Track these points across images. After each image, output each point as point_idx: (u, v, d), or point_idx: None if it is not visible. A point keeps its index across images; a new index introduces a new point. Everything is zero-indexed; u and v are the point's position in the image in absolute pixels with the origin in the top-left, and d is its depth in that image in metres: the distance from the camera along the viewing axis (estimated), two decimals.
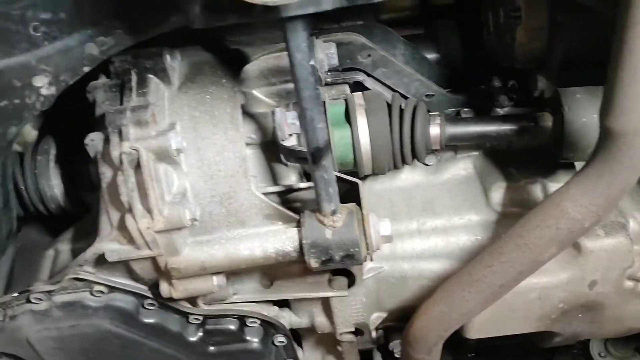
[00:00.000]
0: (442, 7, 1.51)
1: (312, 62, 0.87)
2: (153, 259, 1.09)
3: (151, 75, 1.06)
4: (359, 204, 1.09)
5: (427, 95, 1.33)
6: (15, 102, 0.89)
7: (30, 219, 1.35)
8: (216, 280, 1.15)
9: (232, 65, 1.11)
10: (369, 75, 1.30)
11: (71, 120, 1.20)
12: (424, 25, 1.50)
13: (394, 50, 1.32)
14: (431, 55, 1.45)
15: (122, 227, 1.06)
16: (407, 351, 1.28)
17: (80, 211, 1.28)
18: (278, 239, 1.09)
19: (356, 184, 1.09)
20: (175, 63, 1.09)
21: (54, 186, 1.22)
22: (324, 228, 1.05)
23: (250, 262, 1.10)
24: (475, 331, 1.32)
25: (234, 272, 1.20)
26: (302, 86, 0.89)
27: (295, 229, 1.08)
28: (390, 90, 1.32)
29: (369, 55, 1.26)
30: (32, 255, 1.29)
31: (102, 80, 1.08)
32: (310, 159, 0.98)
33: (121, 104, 1.04)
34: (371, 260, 1.09)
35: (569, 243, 1.03)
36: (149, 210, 1.01)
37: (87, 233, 1.24)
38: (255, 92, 1.13)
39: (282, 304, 1.37)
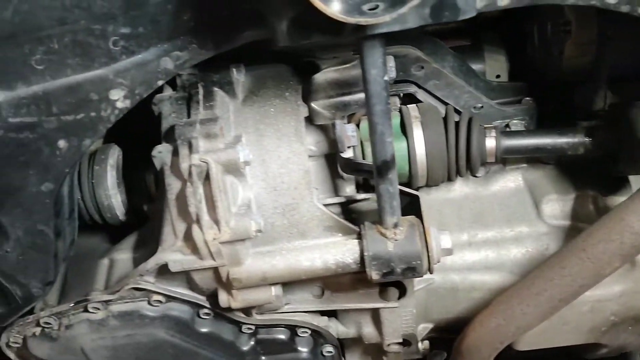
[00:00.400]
0: (488, 19, 1.51)
1: (385, 78, 0.88)
2: (215, 270, 1.10)
3: (217, 89, 1.07)
4: (417, 216, 1.10)
5: (475, 107, 1.34)
6: (92, 115, 0.90)
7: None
8: (274, 290, 1.16)
9: (294, 78, 1.12)
10: (420, 87, 1.31)
11: (127, 131, 1.22)
12: (469, 37, 1.51)
13: (442, 62, 1.33)
14: (476, 67, 1.46)
15: (186, 237, 1.07)
16: None
17: (136, 221, 1.29)
18: (338, 250, 1.09)
19: (417, 197, 1.10)
20: (240, 76, 1.10)
21: (111, 196, 1.23)
22: (386, 240, 1.06)
23: (311, 273, 1.11)
24: (525, 344, 1.33)
25: (287, 283, 1.21)
26: (374, 101, 0.90)
27: (356, 241, 1.09)
28: (439, 103, 1.33)
29: (422, 68, 1.27)
30: (85, 264, 1.30)
31: (169, 92, 1.09)
32: (376, 172, 0.99)
33: (188, 116, 1.05)
34: (431, 273, 1.09)
35: (632, 257, 1.04)
36: (216, 222, 1.02)
37: (143, 243, 1.25)
38: (314, 105, 1.14)
39: (329, 313, 1.38)
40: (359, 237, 1.09)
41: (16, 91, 0.84)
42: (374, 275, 1.08)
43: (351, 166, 1.11)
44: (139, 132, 1.15)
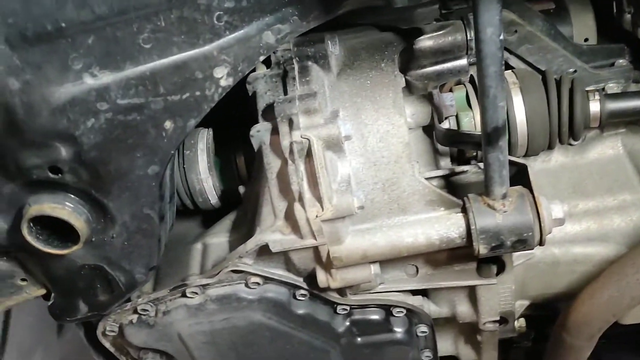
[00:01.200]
0: None
1: (501, 37, 0.84)
2: (315, 249, 1.08)
3: (312, 63, 1.04)
4: (525, 187, 1.05)
5: (569, 72, 1.28)
6: (197, 95, 0.88)
7: None
8: (373, 269, 1.13)
9: (389, 48, 1.08)
10: (511, 52, 1.25)
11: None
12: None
13: (533, 25, 1.27)
14: (564, 31, 1.39)
15: (287, 217, 1.05)
16: (563, 338, 1.23)
17: (226, 205, 1.28)
18: (442, 225, 1.05)
19: (524, 166, 1.05)
20: (335, 49, 1.07)
21: (203, 180, 1.21)
22: (494, 212, 1.02)
23: (413, 249, 1.07)
24: (633, 317, 1.27)
25: (381, 262, 1.18)
26: (489, 62, 0.86)
27: (460, 214, 1.05)
28: (531, 69, 1.27)
29: (515, 32, 1.22)
30: (177, 250, 1.29)
31: (263, 71, 1.07)
32: (485, 140, 0.95)
33: (285, 93, 1.03)
34: (543, 244, 1.05)
35: None
36: (318, 199, 1.00)
37: (237, 226, 1.24)
38: (407, 76, 1.11)
39: (420, 292, 1.34)
40: (464, 210, 1.04)
41: (124, 72, 0.82)
42: (482, 249, 1.03)
43: (452, 137, 1.07)
44: (222, 114, 1.14)
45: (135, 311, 1.22)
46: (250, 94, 1.07)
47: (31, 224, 0.92)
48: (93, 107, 0.82)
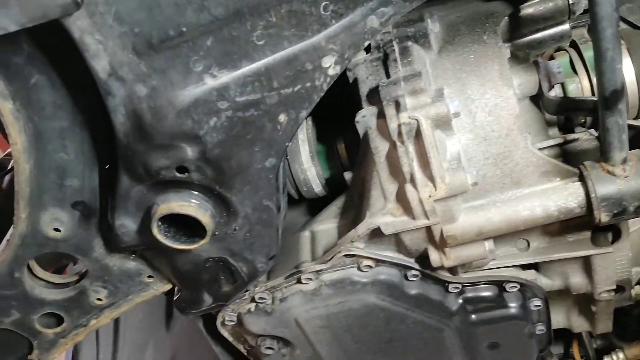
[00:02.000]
0: None
1: None
2: (427, 229, 1.08)
3: (412, 43, 1.04)
4: None
5: None
6: (307, 86, 0.90)
7: None
8: (487, 245, 1.12)
9: (489, 20, 1.06)
10: None
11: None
12: None
13: None
14: None
15: (398, 199, 1.06)
16: None
17: (329, 192, 1.30)
18: (559, 195, 1.03)
19: None
20: (435, 26, 1.06)
21: (306, 170, 1.24)
22: (614, 178, 0.99)
23: (530, 222, 1.06)
24: None
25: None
26: (605, 25, 0.83)
27: (578, 183, 1.02)
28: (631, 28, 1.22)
29: None
30: (285, 239, 1.32)
31: (362, 56, 1.07)
32: (602, 104, 0.92)
33: (387, 76, 1.03)
34: None
35: None
36: (430, 179, 1.00)
37: (344, 212, 1.26)
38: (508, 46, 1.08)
39: (530, 266, 1.32)
40: (581, 178, 1.02)
41: (241, 70, 0.85)
42: (604, 217, 1.01)
43: (563, 104, 1.04)
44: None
45: (252, 300, 1.27)
46: (351, 81, 1.08)
47: (159, 223, 0.97)
48: (214, 106, 0.86)
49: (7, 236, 1.04)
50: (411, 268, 1.20)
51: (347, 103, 1.13)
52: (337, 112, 1.21)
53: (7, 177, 1.48)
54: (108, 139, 0.95)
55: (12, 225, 1.03)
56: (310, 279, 1.21)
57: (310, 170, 1.25)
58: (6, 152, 1.65)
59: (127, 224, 1.00)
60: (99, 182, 0.99)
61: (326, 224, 1.26)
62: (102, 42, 0.77)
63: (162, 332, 2.23)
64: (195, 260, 1.07)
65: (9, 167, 1.50)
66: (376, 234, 1.12)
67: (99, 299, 1.14)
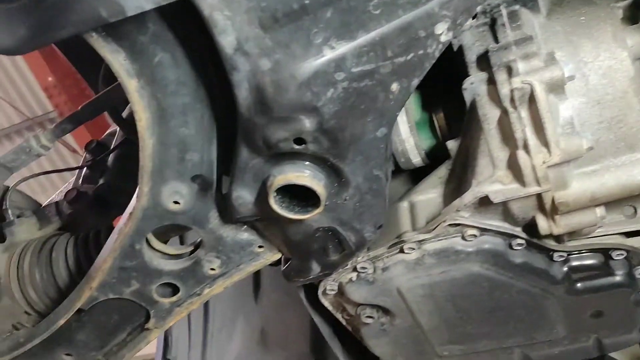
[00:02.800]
0: None
1: None
2: (538, 196, 1.07)
3: (520, 7, 1.02)
4: None
5: None
6: (419, 54, 0.90)
7: None
8: (599, 212, 1.10)
9: None
10: None
11: None
12: None
13: None
14: None
15: (509, 166, 1.05)
16: None
17: (427, 163, 1.30)
18: None
19: None
20: None
21: (405, 141, 1.25)
22: None
23: None
24: None
25: None
26: None
27: None
28: None
29: None
30: None
31: (468, 22, 1.06)
32: None
33: (496, 42, 1.02)
34: None
35: None
36: (545, 145, 0.99)
37: (445, 182, 1.26)
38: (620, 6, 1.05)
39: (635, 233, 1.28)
40: None
41: (357, 40, 0.86)
42: None
43: None
44: None
45: (354, 270, 1.29)
46: (455, 49, 1.08)
47: (275, 194, 1.00)
48: (332, 78, 0.87)
49: (129, 209, 1.10)
50: (516, 237, 1.19)
51: (445, 71, 1.13)
52: (435, 82, 1.20)
53: (111, 156, 1.56)
54: (227, 113, 0.99)
55: (134, 199, 1.09)
56: (413, 249, 1.23)
57: (408, 140, 1.25)
58: (106, 133, 1.73)
59: (243, 196, 1.04)
60: (217, 156, 1.03)
61: (426, 194, 1.26)
62: (230, 18, 0.80)
63: (250, 304, 2.31)
64: (306, 230, 1.10)
65: (112, 147, 1.58)
66: (482, 203, 1.12)
67: (213, 269, 1.19)
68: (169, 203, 1.07)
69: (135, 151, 1.55)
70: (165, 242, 1.22)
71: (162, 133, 0.98)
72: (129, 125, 1.47)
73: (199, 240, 1.17)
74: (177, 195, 1.06)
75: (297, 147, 0.94)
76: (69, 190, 1.51)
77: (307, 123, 0.91)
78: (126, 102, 1.47)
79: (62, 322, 1.19)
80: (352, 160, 0.98)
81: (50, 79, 8.20)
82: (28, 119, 9.13)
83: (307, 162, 0.98)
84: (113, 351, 1.30)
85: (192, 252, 1.19)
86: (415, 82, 0.94)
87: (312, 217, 1.04)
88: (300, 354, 2.14)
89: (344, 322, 1.49)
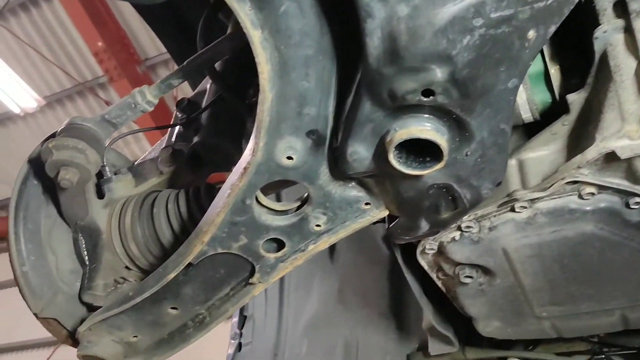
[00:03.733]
0: None
1: None
2: None
3: None
4: None
5: None
6: None
7: None
8: None
9: None
10: None
11: None
12: None
13: None
14: None
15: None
16: None
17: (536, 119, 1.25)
18: None
19: None
20: None
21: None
22: None
23: None
24: None
25: None
26: None
27: None
28: None
29: None
30: None
31: None
32: None
33: None
34: None
35: None
36: None
37: (559, 138, 1.21)
38: None
39: None
40: None
41: None
42: None
43: None
44: None
45: (458, 229, 1.27)
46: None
47: (394, 149, 0.97)
48: (469, 24, 0.83)
49: (242, 164, 1.09)
50: (636, 195, 1.14)
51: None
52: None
53: (204, 114, 1.55)
54: (348, 66, 0.96)
55: (247, 153, 1.08)
56: (525, 207, 1.19)
57: (520, 95, 1.20)
58: (195, 91, 1.72)
59: (359, 151, 1.02)
60: (334, 110, 1.01)
61: (538, 152, 1.21)
62: None
63: (327, 264, 2.32)
64: (420, 187, 1.07)
65: (204, 105, 1.57)
66: (605, 159, 1.07)
67: (318, 225, 1.18)
68: (282, 158, 1.06)
69: (226, 109, 1.56)
70: None
71: (282, 86, 0.96)
72: (225, 82, 1.46)
73: (305, 195, 1.16)
74: (291, 151, 1.05)
75: (424, 99, 0.91)
76: (163, 147, 1.52)
77: (439, 73, 0.87)
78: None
79: (171, 276, 1.21)
80: (479, 114, 0.94)
81: (99, 44, 8.33)
82: (79, 83, 9.32)
83: (430, 115, 0.95)
84: (216, 305, 1.32)
85: (298, 207, 1.18)
86: (552, 29, 0.89)
87: (430, 173, 1.01)
88: (380, 313, 2.15)
89: (438, 282, 1.47)
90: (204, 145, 1.50)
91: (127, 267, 1.41)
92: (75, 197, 1.33)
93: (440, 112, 0.94)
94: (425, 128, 0.94)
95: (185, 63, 1.28)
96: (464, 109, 0.93)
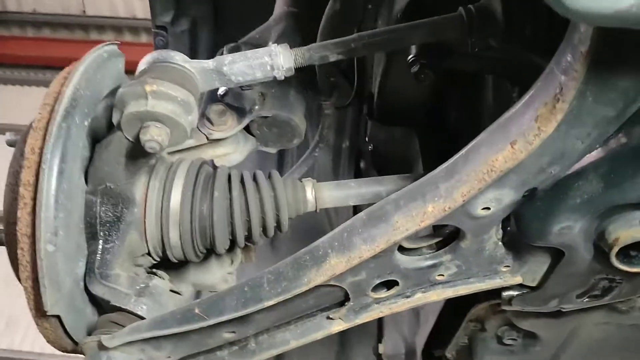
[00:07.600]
0: None
1: None
2: None
3: None
4: None
5: None
6: None
7: None
8: None
9: None
10: None
11: None
12: None
13: None
14: None
15: None
16: None
17: None
18: None
19: None
20: None
21: None
22: None
23: None
24: None
25: None
26: None
27: None
28: None
29: None
30: None
31: None
32: None
33: None
34: None
35: None
36: None
37: None
38: None
39: None
40: None
41: None
42: None
43: None
44: None
45: None
46: None
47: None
48: None
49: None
50: None
51: None
52: None
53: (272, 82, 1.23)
54: None
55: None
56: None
57: None
58: None
59: (572, 227, 0.88)
60: None
61: None
62: None
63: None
64: (589, 273, 0.97)
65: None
66: None
67: (442, 275, 1.01)
68: (478, 209, 0.87)
69: (298, 83, 1.27)
70: None
71: (555, 135, 0.78)
72: None
73: (453, 243, 0.98)
74: (494, 202, 0.86)
75: None
76: (213, 104, 1.17)
77: None
78: None
79: (269, 304, 0.92)
80: None
81: None
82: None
83: None
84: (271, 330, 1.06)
85: (435, 249, 0.99)
86: None
87: None
88: None
89: (462, 329, 1.39)
90: (276, 119, 1.19)
91: (148, 254, 1.06)
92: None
93: None
94: None
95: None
96: None
